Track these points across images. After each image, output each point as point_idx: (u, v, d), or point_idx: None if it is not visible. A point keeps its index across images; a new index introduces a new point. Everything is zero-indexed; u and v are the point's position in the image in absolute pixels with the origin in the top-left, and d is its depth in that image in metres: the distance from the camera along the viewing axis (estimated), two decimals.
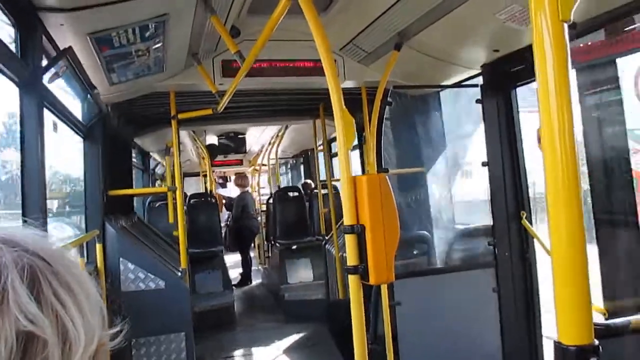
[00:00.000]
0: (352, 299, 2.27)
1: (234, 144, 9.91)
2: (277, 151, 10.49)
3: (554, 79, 1.11)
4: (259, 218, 11.61)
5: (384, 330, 3.97)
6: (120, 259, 4.23)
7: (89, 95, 3.86)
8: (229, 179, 16.96)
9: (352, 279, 2.26)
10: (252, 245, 11.61)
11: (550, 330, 4.24)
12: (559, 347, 1.11)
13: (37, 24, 2.64)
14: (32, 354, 0.62)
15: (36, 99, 2.69)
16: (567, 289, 1.13)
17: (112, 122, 4.70)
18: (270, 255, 9.99)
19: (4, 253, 0.66)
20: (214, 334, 6.61)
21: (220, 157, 11.52)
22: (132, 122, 5.82)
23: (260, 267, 11.39)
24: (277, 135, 9.72)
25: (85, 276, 0.73)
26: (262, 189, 13.94)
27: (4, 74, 2.45)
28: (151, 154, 9.53)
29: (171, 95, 4.62)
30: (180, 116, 4.70)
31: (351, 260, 2.25)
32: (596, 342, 1.09)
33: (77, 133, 4.12)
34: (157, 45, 3.43)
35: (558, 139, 1.12)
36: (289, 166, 14.39)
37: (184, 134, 7.68)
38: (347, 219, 2.21)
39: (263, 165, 13.36)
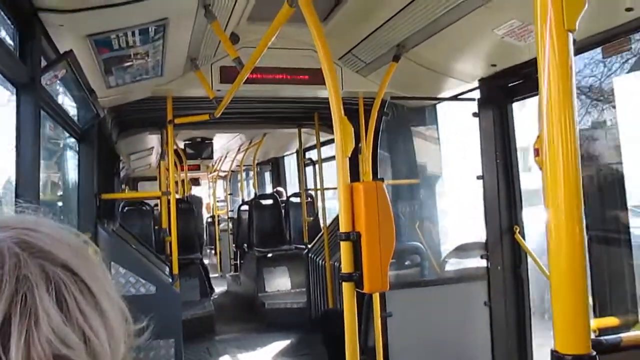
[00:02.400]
0: (345, 308, 2.26)
1: (201, 150, 9.81)
2: (243, 158, 10.49)
3: (557, 88, 1.11)
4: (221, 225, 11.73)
5: (374, 341, 3.96)
6: (112, 263, 4.19)
7: (86, 98, 3.85)
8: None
9: (347, 287, 2.25)
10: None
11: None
12: (555, 357, 1.11)
13: (37, 24, 2.62)
14: None
15: (33, 100, 2.66)
16: (565, 298, 1.13)
17: (105, 125, 4.69)
18: (242, 262, 9.90)
19: (28, 266, 0.60)
20: (197, 342, 6.55)
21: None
22: (121, 125, 5.79)
23: (226, 275, 11.26)
24: (251, 142, 9.69)
25: (105, 274, 0.70)
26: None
27: (3, 74, 2.44)
28: (121, 157, 9.40)
29: (168, 100, 4.62)
30: (177, 121, 4.70)
31: (346, 267, 2.24)
32: (593, 352, 1.09)
33: (72, 136, 4.11)
34: (156, 50, 3.43)
35: (561, 150, 1.13)
36: (249, 174, 14.29)
37: (154, 138, 7.55)
38: (343, 226, 2.21)
39: (223, 171, 13.35)
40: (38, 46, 2.67)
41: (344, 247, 2.23)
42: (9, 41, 2.51)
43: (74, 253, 0.65)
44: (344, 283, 2.26)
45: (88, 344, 0.60)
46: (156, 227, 7.88)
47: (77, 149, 4.29)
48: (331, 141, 6.64)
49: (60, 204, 4.51)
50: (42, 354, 0.56)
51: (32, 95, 2.64)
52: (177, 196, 10.54)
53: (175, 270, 4.63)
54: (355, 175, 5.23)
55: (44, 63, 2.85)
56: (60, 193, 4.37)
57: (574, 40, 1.17)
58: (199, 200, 13.00)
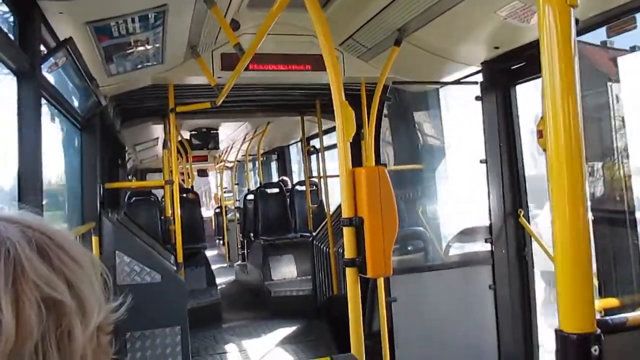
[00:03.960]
0: (349, 293, 2.26)
1: (206, 140, 9.83)
2: (248, 148, 10.50)
3: (559, 66, 1.10)
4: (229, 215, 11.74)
5: (380, 327, 3.97)
6: (116, 252, 4.20)
7: (87, 87, 3.83)
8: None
9: (350, 272, 2.25)
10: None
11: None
12: (560, 335, 1.10)
13: (36, 12, 2.61)
14: (59, 319, 0.64)
15: (34, 88, 2.66)
16: (569, 277, 1.12)
17: (108, 113, 4.68)
18: (248, 252, 9.94)
19: (7, 228, 0.67)
20: (204, 330, 6.58)
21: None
22: (124, 114, 5.79)
23: (234, 265, 11.31)
24: (255, 131, 9.68)
25: (85, 250, 0.75)
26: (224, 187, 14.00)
27: (3, 62, 2.43)
28: (126, 147, 9.41)
29: (170, 88, 4.60)
30: (178, 109, 4.68)
31: (349, 253, 2.24)
32: (598, 330, 1.08)
33: (74, 124, 4.10)
34: (156, 37, 3.41)
35: (562, 127, 1.12)
36: (256, 164, 14.36)
37: (159, 129, 7.57)
38: (346, 212, 2.21)
39: (229, 162, 13.36)
40: (38, 34, 2.66)
41: (347, 233, 2.22)
42: (8, 29, 2.50)
43: (52, 229, 0.72)
44: (347, 268, 2.26)
45: (71, 288, 0.66)
46: (162, 217, 7.93)
47: (80, 137, 4.28)
48: (334, 129, 6.60)
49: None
50: (32, 297, 0.62)
51: (32, 83, 2.63)
52: (185, 186, 10.59)
53: (180, 259, 4.65)
54: (358, 161, 5.23)
55: (44, 51, 2.84)
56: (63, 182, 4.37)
57: (577, 20, 1.15)
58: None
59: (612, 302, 3.33)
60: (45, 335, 0.62)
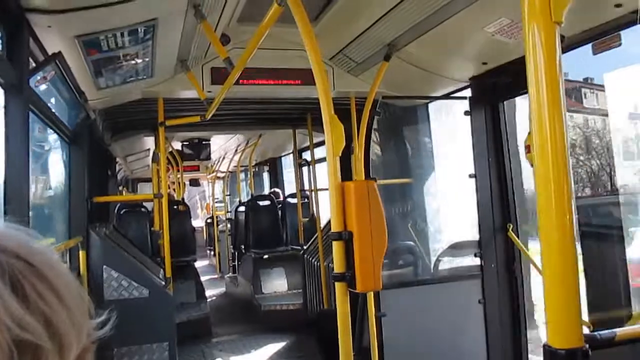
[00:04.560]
0: (338, 308, 2.25)
1: (198, 151, 9.83)
2: (240, 158, 10.50)
3: (545, 82, 1.11)
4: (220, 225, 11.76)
5: (369, 342, 3.95)
6: (104, 267, 4.16)
7: (76, 100, 3.82)
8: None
9: (339, 287, 2.24)
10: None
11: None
12: (548, 351, 1.10)
13: (25, 25, 2.60)
14: None
15: (22, 102, 2.64)
16: (556, 293, 1.13)
17: (97, 127, 4.66)
18: (239, 264, 9.90)
19: None
20: (192, 345, 6.52)
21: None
22: (114, 127, 5.77)
23: (224, 276, 11.25)
24: (247, 143, 9.68)
25: (65, 269, 0.69)
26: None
27: None
28: (117, 158, 9.36)
29: (159, 102, 4.59)
30: (168, 123, 4.67)
31: (338, 267, 2.23)
32: (586, 346, 1.08)
33: (62, 138, 4.08)
34: (145, 51, 3.41)
35: (549, 143, 1.12)
36: (246, 175, 14.34)
37: (151, 140, 7.55)
38: (335, 226, 2.20)
39: (221, 172, 13.36)
40: (26, 47, 2.65)
41: (336, 247, 2.22)
42: None
43: (30, 248, 0.65)
44: (336, 283, 2.25)
45: (49, 326, 0.60)
46: (152, 230, 7.86)
47: (68, 151, 4.26)
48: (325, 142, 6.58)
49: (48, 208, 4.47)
50: (2, 340, 0.56)
51: (20, 97, 2.61)
52: (176, 197, 10.54)
53: (169, 273, 4.60)
54: (348, 175, 5.23)
55: (32, 65, 2.83)
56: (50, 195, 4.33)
57: (563, 37, 1.16)
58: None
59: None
60: None
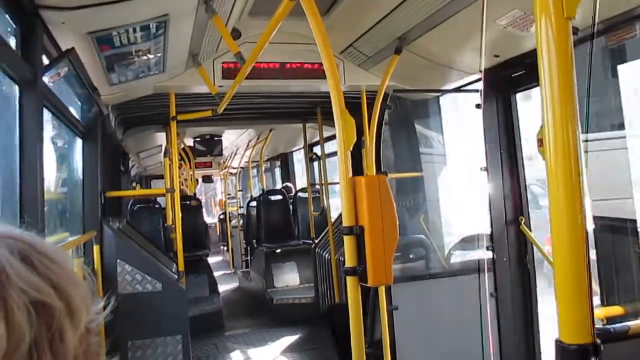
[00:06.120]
0: (350, 302, 2.26)
1: (210, 147, 9.86)
2: (251, 154, 10.53)
3: (557, 77, 1.11)
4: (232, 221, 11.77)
5: (381, 335, 3.96)
6: (118, 261, 4.20)
7: (89, 96, 3.85)
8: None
9: (351, 281, 2.24)
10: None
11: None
12: (559, 346, 1.10)
13: (38, 22, 2.63)
14: (49, 321, 0.65)
15: (36, 98, 2.67)
16: (568, 288, 1.12)
17: (109, 122, 4.69)
18: (251, 259, 9.94)
19: None
20: (205, 338, 6.57)
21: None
22: (126, 123, 5.81)
23: (237, 271, 11.33)
24: (258, 138, 9.71)
25: (66, 254, 0.78)
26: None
27: (5, 72, 2.45)
28: (130, 155, 9.43)
29: (171, 97, 4.61)
30: (179, 117, 4.69)
31: (349, 261, 2.24)
32: (598, 341, 1.08)
33: (76, 134, 4.11)
34: (157, 46, 3.43)
35: (562, 140, 1.12)
36: (258, 170, 14.39)
37: (163, 136, 7.59)
38: (346, 220, 2.21)
39: (233, 168, 13.39)
40: (40, 44, 2.68)
41: (347, 241, 2.22)
42: (11, 39, 2.51)
43: (31, 236, 0.73)
44: (347, 277, 2.26)
45: (57, 289, 0.67)
46: (165, 225, 7.93)
47: (82, 147, 4.29)
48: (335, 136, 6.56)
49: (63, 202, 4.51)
50: (20, 302, 0.62)
51: (34, 93, 2.64)
52: (188, 193, 10.59)
53: (181, 267, 4.64)
54: (359, 169, 5.24)
55: (46, 61, 2.85)
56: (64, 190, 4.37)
57: (576, 30, 1.16)
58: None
59: (615, 310, 3.31)
60: (38, 339, 0.63)
